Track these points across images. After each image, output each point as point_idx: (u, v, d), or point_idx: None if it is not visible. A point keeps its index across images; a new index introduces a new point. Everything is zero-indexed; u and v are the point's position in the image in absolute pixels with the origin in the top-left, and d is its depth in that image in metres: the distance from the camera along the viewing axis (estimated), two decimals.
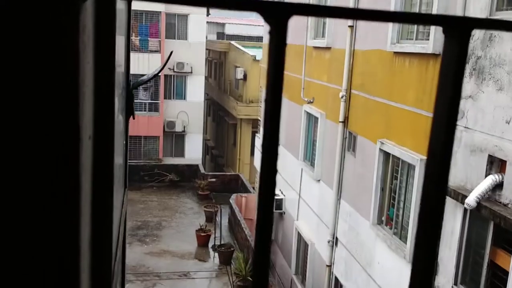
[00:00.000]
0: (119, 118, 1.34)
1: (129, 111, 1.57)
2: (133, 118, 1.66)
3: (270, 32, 0.45)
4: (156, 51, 24.36)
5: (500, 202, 5.66)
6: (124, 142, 1.56)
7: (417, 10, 7.82)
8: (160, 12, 24.33)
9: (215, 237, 16.89)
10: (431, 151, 0.49)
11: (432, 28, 7.11)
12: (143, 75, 21.96)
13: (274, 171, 0.47)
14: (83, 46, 0.44)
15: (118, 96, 1.23)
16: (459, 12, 6.51)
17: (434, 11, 7.08)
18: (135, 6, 23.37)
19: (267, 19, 0.44)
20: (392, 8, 8.19)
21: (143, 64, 23.73)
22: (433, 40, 7.07)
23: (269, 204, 0.48)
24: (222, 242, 16.69)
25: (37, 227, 0.46)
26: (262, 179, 0.46)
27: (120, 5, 1.26)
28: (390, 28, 8.29)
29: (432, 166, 0.51)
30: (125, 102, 1.48)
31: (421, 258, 0.50)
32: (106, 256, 0.80)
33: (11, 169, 0.43)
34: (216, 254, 16.16)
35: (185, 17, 25.25)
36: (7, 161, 0.41)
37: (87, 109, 0.53)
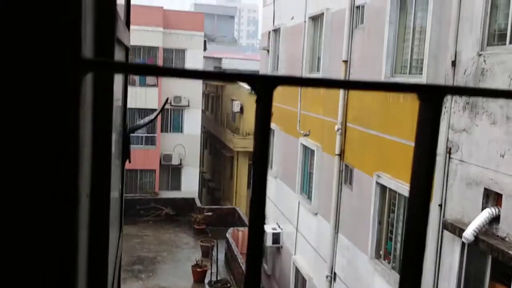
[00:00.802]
0: (115, 163, 1.37)
1: (125, 156, 1.60)
2: (129, 162, 1.69)
3: (257, 101, 0.48)
4: (153, 85, 24.62)
5: (498, 236, 5.64)
6: (120, 186, 1.59)
7: (409, 46, 7.99)
8: (158, 47, 24.73)
9: (211, 273, 16.62)
10: (409, 224, 0.52)
11: (425, 61, 7.26)
12: (140, 109, 21.96)
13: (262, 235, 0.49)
14: (83, 114, 0.47)
15: (115, 142, 1.26)
16: (450, 48, 6.64)
17: (427, 47, 7.23)
18: (133, 41, 23.76)
19: (255, 90, 0.47)
20: (387, 20, 8.30)
21: (141, 98, 23.94)
22: (427, 74, 7.20)
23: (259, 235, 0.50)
24: (219, 278, 16.42)
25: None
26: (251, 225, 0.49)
27: (118, 55, 1.31)
28: (384, 61, 8.45)
29: (410, 247, 0.53)
30: (121, 147, 1.51)
31: (407, 279, 0.52)
32: None
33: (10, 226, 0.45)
34: None
35: (182, 51, 25.66)
36: (7, 229, 0.44)
37: (85, 170, 0.56)
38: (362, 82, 0.51)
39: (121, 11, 1.45)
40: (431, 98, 0.49)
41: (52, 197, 0.45)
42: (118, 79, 1.31)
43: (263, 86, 0.47)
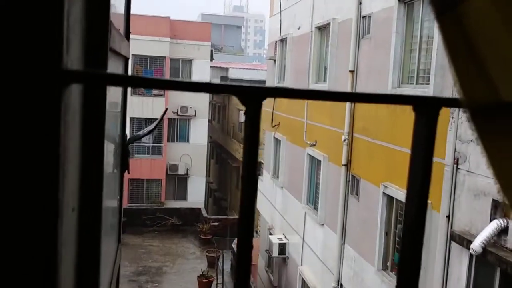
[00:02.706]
0: (114, 172, 1.36)
1: (124, 167, 1.59)
2: (128, 173, 1.67)
3: (245, 113, 0.47)
4: (160, 95, 24.73)
5: (506, 248, 5.56)
6: (119, 197, 1.57)
7: (416, 57, 7.97)
8: (165, 57, 24.87)
9: (217, 284, 16.53)
10: (406, 226, 0.50)
11: (432, 72, 7.23)
12: (147, 118, 22.09)
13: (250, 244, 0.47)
14: (65, 126, 0.45)
15: (112, 153, 1.25)
16: None
17: (434, 57, 7.20)
18: (140, 51, 23.96)
19: (243, 102, 0.46)
20: (394, 31, 8.29)
21: (147, 108, 24.05)
22: (433, 84, 7.17)
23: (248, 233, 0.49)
24: None
25: None
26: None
27: (116, 66, 1.30)
28: (391, 72, 8.43)
29: (407, 253, 0.51)
30: (120, 158, 1.50)
31: (404, 283, 0.50)
32: None
33: None
34: None
35: (189, 61, 25.79)
36: None
37: (70, 182, 0.55)
38: (354, 94, 0.50)
39: (120, 22, 1.45)
40: (427, 111, 0.48)
41: (29, 212, 0.43)
42: (116, 89, 1.31)
43: (251, 98, 0.46)
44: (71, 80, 0.43)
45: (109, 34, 0.78)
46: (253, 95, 0.45)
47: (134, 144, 24.69)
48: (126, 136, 1.64)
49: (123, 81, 0.43)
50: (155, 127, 3.33)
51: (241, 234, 0.44)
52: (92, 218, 0.71)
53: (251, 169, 0.48)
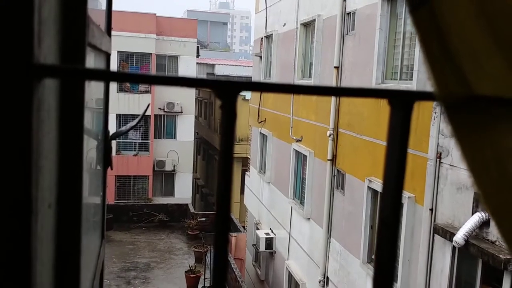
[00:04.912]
0: (96, 168, 1.35)
1: (106, 163, 1.58)
2: (111, 169, 1.66)
3: (221, 106, 0.47)
4: (146, 92, 24.57)
5: (488, 240, 5.66)
6: (102, 193, 1.56)
7: (400, 52, 8.03)
8: (151, 53, 24.70)
9: (204, 278, 16.54)
10: (382, 219, 0.51)
11: (416, 67, 7.30)
12: (133, 115, 21.93)
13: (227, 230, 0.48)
14: (38, 121, 0.45)
15: (94, 149, 1.24)
16: None
17: (417, 53, 7.27)
18: (126, 48, 23.75)
19: (218, 96, 0.46)
20: (377, 27, 8.34)
21: (134, 104, 23.88)
22: (417, 80, 7.24)
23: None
24: (212, 284, 16.33)
25: None
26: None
27: (97, 62, 1.29)
28: (375, 67, 8.48)
29: (383, 244, 0.52)
30: (102, 154, 1.49)
31: (380, 279, 0.51)
32: None
33: None
34: None
35: (175, 58, 25.64)
36: None
37: (46, 177, 0.54)
38: (331, 88, 0.50)
39: (101, 17, 1.43)
40: (402, 104, 0.48)
41: (1, 207, 0.43)
42: (98, 85, 1.29)
43: (226, 91, 0.46)
44: (43, 74, 0.42)
45: (87, 29, 0.77)
46: (228, 89, 0.45)
47: (121, 140, 24.52)
48: (108, 132, 1.63)
49: (98, 75, 0.43)
50: (137, 123, 3.31)
51: (218, 226, 0.45)
52: (71, 214, 0.71)
53: (227, 163, 0.49)
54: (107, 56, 1.59)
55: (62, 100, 0.65)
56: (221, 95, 0.46)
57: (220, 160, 0.49)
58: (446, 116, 0.48)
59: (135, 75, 0.43)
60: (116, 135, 1.99)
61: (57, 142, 0.65)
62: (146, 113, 24.39)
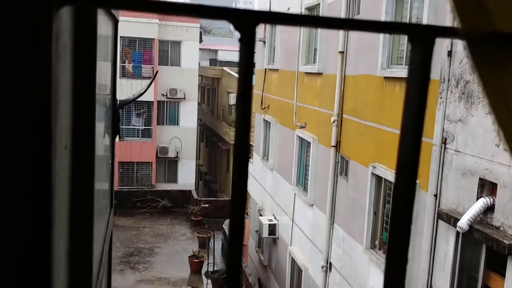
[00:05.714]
0: (105, 136, 1.35)
1: (115, 131, 1.57)
2: (120, 139, 1.66)
3: (240, 39, 0.46)
4: (149, 78, 24.50)
5: (492, 225, 5.66)
6: (110, 161, 1.56)
7: (407, 15, 7.93)
8: (153, 39, 24.59)
9: (208, 264, 16.67)
10: (399, 162, 0.50)
11: None
12: (137, 101, 21.83)
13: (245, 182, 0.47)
14: (57, 55, 0.44)
15: (104, 115, 1.24)
16: (449, 20, 6.47)
17: (425, 14, 7.13)
18: (129, 33, 23.65)
19: (236, 26, 0.45)
20: (383, 11, 8.27)
21: (137, 90, 23.82)
22: None
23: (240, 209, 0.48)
24: (216, 269, 16.46)
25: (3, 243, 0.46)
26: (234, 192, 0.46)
27: (106, 27, 1.28)
28: (380, 53, 8.42)
29: (401, 179, 0.51)
30: (111, 121, 1.49)
31: (392, 266, 0.50)
32: (85, 270, 0.79)
33: None
34: (209, 281, 15.91)
35: (178, 44, 25.53)
36: None
37: (63, 117, 0.54)
38: (352, 21, 0.49)
39: None
40: (422, 39, 0.47)
41: (21, 138, 0.42)
42: (105, 44, 1.29)
43: (245, 22, 0.45)
44: (63, 1, 0.42)
45: None
46: (247, 19, 0.44)
47: (124, 127, 24.52)
48: (116, 100, 1.63)
49: (119, 2, 0.42)
50: (145, 91, 3.31)
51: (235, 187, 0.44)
52: (85, 156, 0.71)
53: (246, 104, 0.48)
54: (116, 22, 1.58)
55: (76, 34, 0.64)
56: (240, 26, 0.45)
57: (237, 101, 0.49)
58: (467, 52, 0.48)
59: (152, 2, 0.42)
60: (123, 103, 1.99)
61: (72, 82, 0.64)
62: (149, 100, 24.37)
